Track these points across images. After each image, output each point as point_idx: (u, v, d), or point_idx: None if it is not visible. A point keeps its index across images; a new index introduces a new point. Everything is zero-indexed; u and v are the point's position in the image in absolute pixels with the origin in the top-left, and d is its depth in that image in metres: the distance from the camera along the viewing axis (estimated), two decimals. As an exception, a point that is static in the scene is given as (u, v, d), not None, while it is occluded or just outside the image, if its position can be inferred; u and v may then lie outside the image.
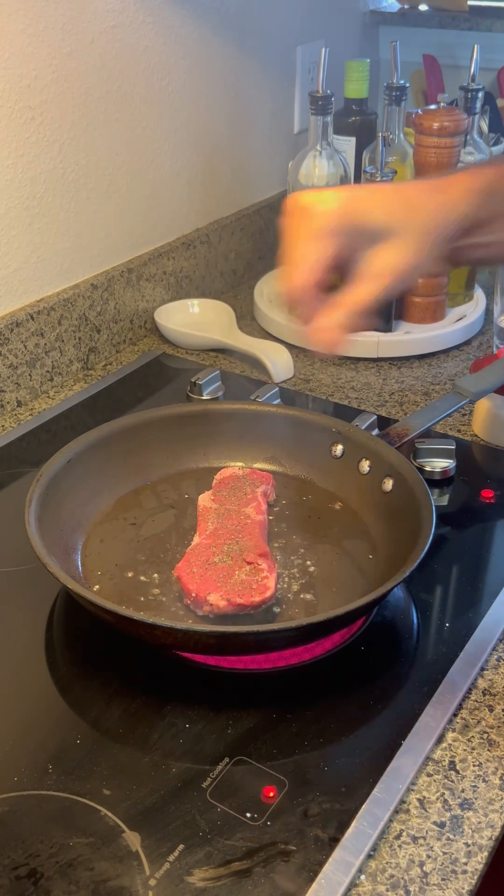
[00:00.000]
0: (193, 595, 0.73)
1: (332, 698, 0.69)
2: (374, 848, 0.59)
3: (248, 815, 0.60)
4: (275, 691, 0.70)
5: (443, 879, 0.57)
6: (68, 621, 0.76)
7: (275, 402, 1.03)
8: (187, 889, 0.56)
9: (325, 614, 0.67)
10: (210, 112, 1.30)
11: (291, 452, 0.92)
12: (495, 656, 0.74)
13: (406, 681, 0.71)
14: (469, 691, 0.71)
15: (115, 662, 0.72)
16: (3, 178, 1.01)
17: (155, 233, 1.26)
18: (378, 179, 1.12)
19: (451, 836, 0.60)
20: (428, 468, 0.93)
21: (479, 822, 0.61)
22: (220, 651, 0.70)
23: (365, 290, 0.62)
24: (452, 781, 0.64)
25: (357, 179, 1.24)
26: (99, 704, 0.68)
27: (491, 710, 0.69)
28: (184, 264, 1.29)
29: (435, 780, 0.64)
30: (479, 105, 1.23)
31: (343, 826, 0.59)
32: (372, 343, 1.18)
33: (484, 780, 0.64)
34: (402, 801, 0.62)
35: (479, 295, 1.30)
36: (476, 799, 0.63)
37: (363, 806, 0.61)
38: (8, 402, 1.07)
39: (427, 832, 0.60)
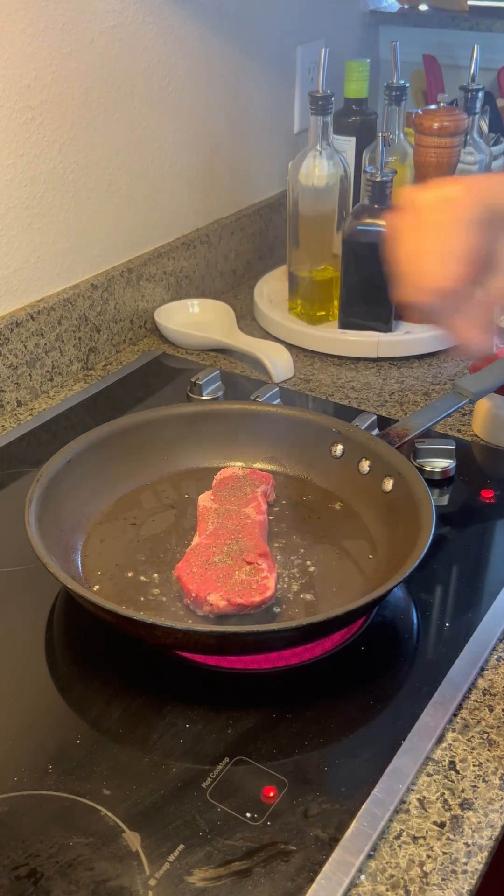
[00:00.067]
0: (193, 595, 0.73)
1: (332, 698, 0.69)
2: (374, 848, 0.59)
3: (248, 815, 0.60)
4: (275, 691, 0.70)
5: (443, 879, 0.57)
6: (68, 621, 0.76)
7: (275, 402, 1.03)
8: (187, 889, 0.56)
9: (325, 614, 0.67)
10: (210, 112, 1.30)
11: (291, 452, 0.92)
12: (495, 656, 0.74)
13: (406, 681, 0.71)
14: (469, 691, 0.71)
15: (115, 662, 0.72)
16: (3, 178, 1.01)
17: (155, 233, 1.26)
18: (378, 179, 1.12)
19: (451, 836, 0.60)
20: (428, 468, 0.93)
21: (479, 822, 0.61)
22: (220, 651, 0.70)
23: None
24: (452, 781, 0.64)
25: (357, 179, 1.24)
26: (99, 704, 0.68)
27: (491, 710, 0.69)
28: (184, 264, 1.29)
29: (435, 780, 0.64)
30: (479, 105, 1.23)
31: (343, 826, 0.59)
32: (372, 343, 1.18)
33: (484, 780, 0.64)
34: (402, 801, 0.62)
35: (479, 295, 1.30)
36: (476, 799, 0.63)
37: (363, 806, 0.61)
38: (8, 402, 1.07)
39: (427, 832, 0.60)
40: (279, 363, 1.14)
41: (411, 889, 0.57)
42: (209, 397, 1.07)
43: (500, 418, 1.00)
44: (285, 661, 0.71)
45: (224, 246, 1.37)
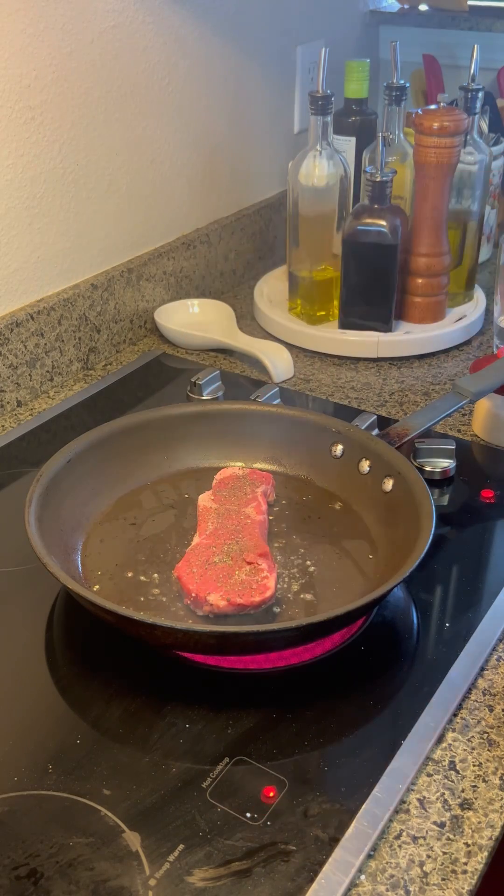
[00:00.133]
0: (193, 595, 0.73)
1: (332, 698, 0.69)
2: (374, 848, 0.59)
3: (248, 815, 0.60)
4: (275, 691, 0.70)
5: (443, 879, 0.57)
6: (68, 621, 0.76)
7: (275, 402, 1.03)
8: (187, 889, 0.56)
9: (325, 614, 0.67)
10: (210, 112, 1.30)
11: (291, 452, 0.92)
12: (495, 656, 0.74)
13: (406, 681, 0.71)
14: (469, 691, 0.71)
15: (115, 662, 0.72)
16: (3, 178, 1.01)
17: (155, 233, 1.26)
18: (378, 179, 1.12)
19: (451, 836, 0.60)
20: (428, 468, 0.93)
21: (479, 822, 0.61)
22: (220, 651, 0.70)
23: None
24: (452, 781, 0.64)
25: (357, 179, 1.24)
26: (99, 704, 0.68)
27: (491, 710, 0.69)
28: (184, 264, 1.29)
29: (435, 780, 0.64)
30: (479, 105, 1.23)
31: (343, 826, 0.59)
32: (372, 343, 1.18)
33: (484, 780, 0.64)
34: (402, 801, 0.62)
35: (479, 295, 1.30)
36: (476, 799, 0.63)
37: (363, 806, 0.61)
38: (8, 402, 1.07)
39: (427, 832, 0.60)
40: (279, 363, 1.14)
41: (411, 889, 0.57)
42: (209, 397, 1.07)
43: (500, 418, 1.00)
44: (285, 661, 0.71)
45: (224, 246, 1.37)
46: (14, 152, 1.01)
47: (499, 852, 0.61)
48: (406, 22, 1.67)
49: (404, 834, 0.60)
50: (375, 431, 0.94)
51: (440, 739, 0.67)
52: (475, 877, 0.58)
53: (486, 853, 0.59)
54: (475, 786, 0.64)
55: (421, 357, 1.20)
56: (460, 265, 1.26)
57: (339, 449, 0.89)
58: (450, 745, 0.67)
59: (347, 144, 1.31)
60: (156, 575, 0.79)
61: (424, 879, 0.57)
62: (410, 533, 0.76)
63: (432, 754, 0.66)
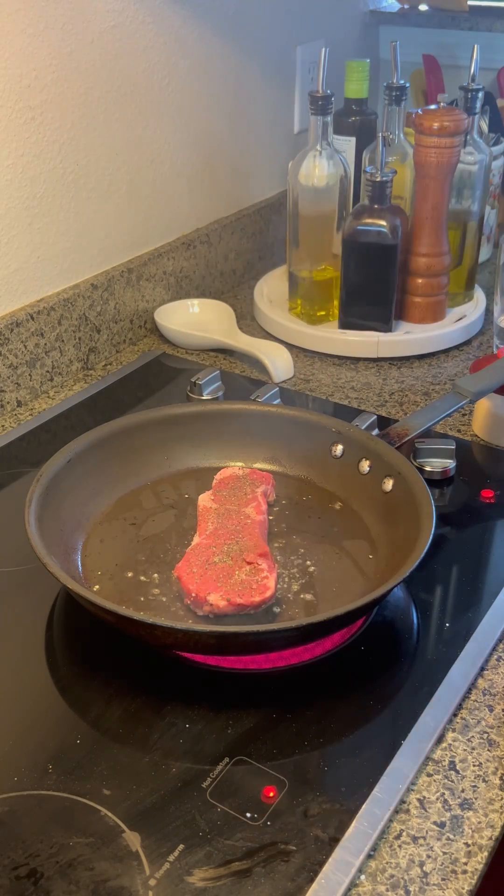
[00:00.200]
0: (193, 595, 0.73)
1: (332, 698, 0.69)
2: (374, 848, 0.59)
3: (248, 815, 0.60)
4: (275, 691, 0.70)
5: (443, 879, 0.57)
6: (68, 621, 0.76)
7: (275, 402, 1.03)
8: (187, 889, 0.56)
9: (325, 614, 0.67)
10: (210, 112, 1.30)
11: (291, 452, 0.92)
12: (495, 656, 0.74)
13: (406, 681, 0.71)
14: (469, 691, 0.71)
15: (115, 662, 0.72)
16: (3, 178, 1.01)
17: (155, 233, 1.26)
18: (378, 179, 1.12)
19: (451, 836, 0.60)
20: (428, 468, 0.93)
21: (479, 822, 0.61)
22: (220, 651, 0.70)
23: None
24: (452, 781, 0.64)
25: (357, 179, 1.24)
26: (99, 704, 0.68)
27: (491, 710, 0.69)
28: (184, 264, 1.29)
29: (435, 780, 0.64)
30: (479, 105, 1.23)
31: (343, 826, 0.59)
32: (372, 343, 1.18)
33: (484, 780, 0.64)
34: (402, 801, 0.62)
35: (479, 295, 1.30)
36: (476, 799, 0.63)
37: (363, 806, 0.61)
38: (8, 402, 1.07)
39: (427, 832, 0.60)
40: (279, 363, 1.14)
41: (411, 889, 0.57)
42: (209, 397, 1.07)
43: (500, 418, 1.00)
44: (285, 661, 0.71)
45: (224, 246, 1.37)
46: (14, 152, 1.01)
47: (499, 852, 0.61)
48: (406, 22, 1.67)
49: (404, 834, 0.60)
50: (375, 431, 0.94)
51: (440, 739, 0.67)
52: (475, 877, 0.58)
53: (486, 853, 0.59)
54: (475, 786, 0.64)
55: (421, 357, 1.20)
56: (460, 265, 1.26)
57: (339, 449, 0.89)
58: (450, 745, 0.67)
59: (347, 144, 1.31)
60: (156, 575, 0.79)
61: (424, 879, 0.57)
62: (410, 533, 0.76)
63: (432, 754, 0.66)
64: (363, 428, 0.93)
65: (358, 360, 1.20)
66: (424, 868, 0.58)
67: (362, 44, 1.65)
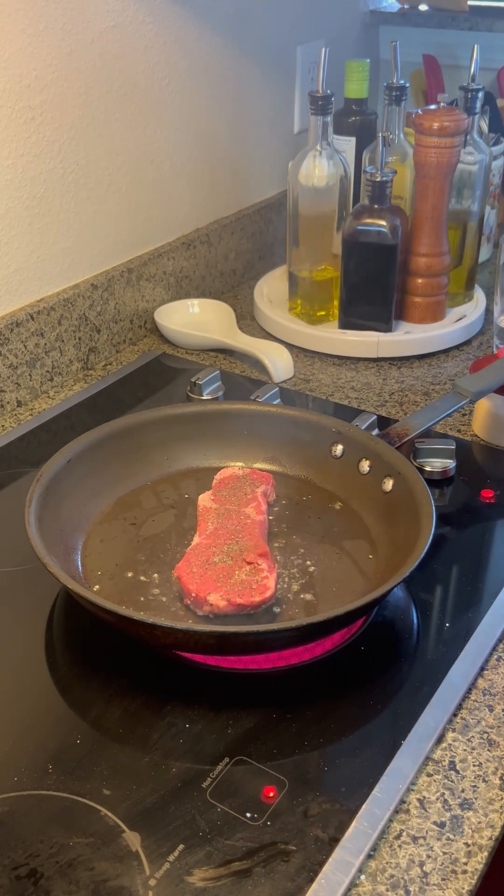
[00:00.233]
0: (193, 595, 0.73)
1: (332, 698, 0.69)
2: (374, 848, 0.59)
3: (248, 815, 0.60)
4: (275, 691, 0.70)
5: (443, 879, 0.57)
6: (68, 621, 0.76)
7: (275, 402, 1.03)
8: (187, 889, 0.56)
9: (325, 614, 0.67)
10: (210, 112, 1.30)
11: (291, 452, 0.92)
12: (495, 656, 0.74)
13: (406, 681, 0.71)
14: (469, 691, 0.71)
15: (115, 662, 0.72)
16: (3, 178, 1.01)
17: (155, 233, 1.26)
18: (378, 179, 1.12)
19: (451, 836, 0.60)
20: (428, 468, 0.93)
21: (479, 822, 0.61)
22: (220, 651, 0.70)
23: None
24: (452, 781, 0.64)
25: (357, 179, 1.24)
26: (99, 704, 0.68)
27: (491, 710, 0.69)
28: (184, 264, 1.29)
29: (435, 780, 0.64)
30: (479, 105, 1.23)
31: (343, 826, 0.59)
32: (372, 343, 1.18)
33: (484, 780, 0.64)
34: (402, 801, 0.62)
35: (479, 295, 1.30)
36: (476, 799, 0.63)
37: (363, 806, 0.61)
38: (8, 402, 1.07)
39: (427, 832, 0.60)
40: (279, 363, 1.14)
41: (411, 889, 0.57)
42: (209, 397, 1.07)
43: (500, 418, 1.00)
44: (285, 661, 0.71)
45: (224, 246, 1.37)
46: (14, 152, 1.01)
47: (499, 852, 0.61)
48: (406, 22, 1.67)
49: (404, 834, 0.60)
50: (375, 431, 0.94)
51: (440, 739, 0.67)
52: (475, 877, 0.58)
53: (486, 853, 0.59)
54: (475, 786, 0.64)
55: (421, 357, 1.20)
56: (460, 265, 1.26)
57: (339, 449, 0.89)
58: (450, 745, 0.67)
59: (347, 144, 1.31)
60: (156, 575, 0.79)
61: (424, 879, 0.57)
62: (410, 533, 0.76)
63: (432, 754, 0.66)
64: (363, 428, 0.93)
65: (358, 360, 1.20)
66: (424, 868, 0.58)
67: (362, 44, 1.65)
